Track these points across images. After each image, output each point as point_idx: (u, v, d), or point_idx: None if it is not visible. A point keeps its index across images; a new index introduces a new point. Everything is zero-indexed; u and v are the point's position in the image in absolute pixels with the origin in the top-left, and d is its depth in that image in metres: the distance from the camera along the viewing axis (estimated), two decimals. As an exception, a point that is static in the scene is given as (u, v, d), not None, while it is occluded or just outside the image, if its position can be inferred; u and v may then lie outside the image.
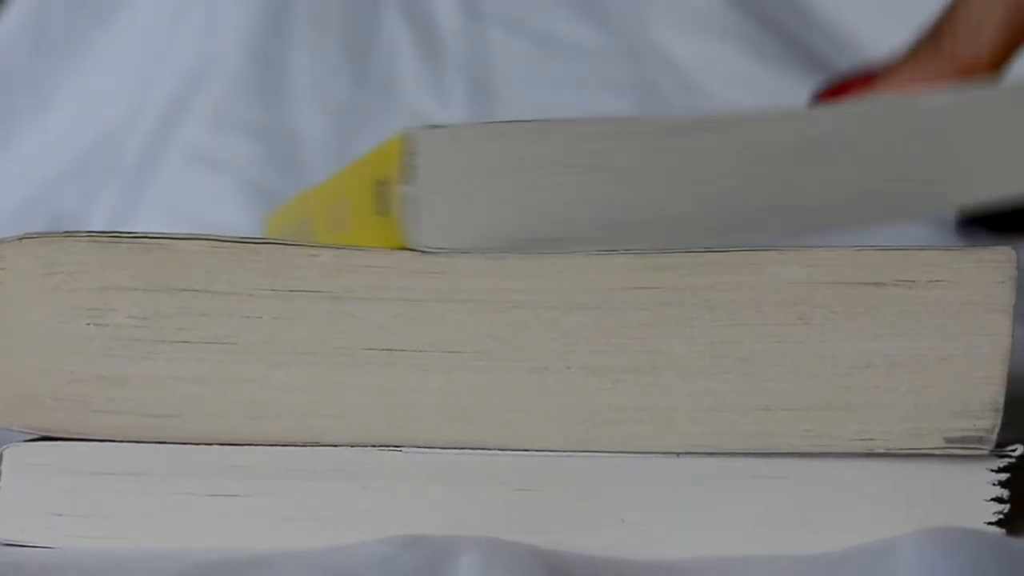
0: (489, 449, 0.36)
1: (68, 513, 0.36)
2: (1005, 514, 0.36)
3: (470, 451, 0.36)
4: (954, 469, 0.36)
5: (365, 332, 0.36)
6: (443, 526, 0.36)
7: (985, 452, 0.36)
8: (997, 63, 0.48)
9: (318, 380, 0.36)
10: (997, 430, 0.35)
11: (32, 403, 0.36)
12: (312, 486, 0.36)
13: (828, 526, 0.36)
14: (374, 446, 0.36)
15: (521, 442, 0.36)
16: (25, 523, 0.36)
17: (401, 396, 0.36)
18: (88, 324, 0.36)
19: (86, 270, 0.36)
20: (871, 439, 0.35)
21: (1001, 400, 0.35)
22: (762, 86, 0.92)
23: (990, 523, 0.36)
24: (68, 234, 0.36)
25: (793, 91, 0.92)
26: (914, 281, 0.35)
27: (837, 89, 0.52)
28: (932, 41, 0.49)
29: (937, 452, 0.36)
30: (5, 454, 0.36)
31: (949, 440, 0.35)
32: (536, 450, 0.36)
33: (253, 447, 0.36)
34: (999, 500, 0.36)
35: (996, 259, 0.35)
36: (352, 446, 0.36)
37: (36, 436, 0.36)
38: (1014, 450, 0.36)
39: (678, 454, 0.36)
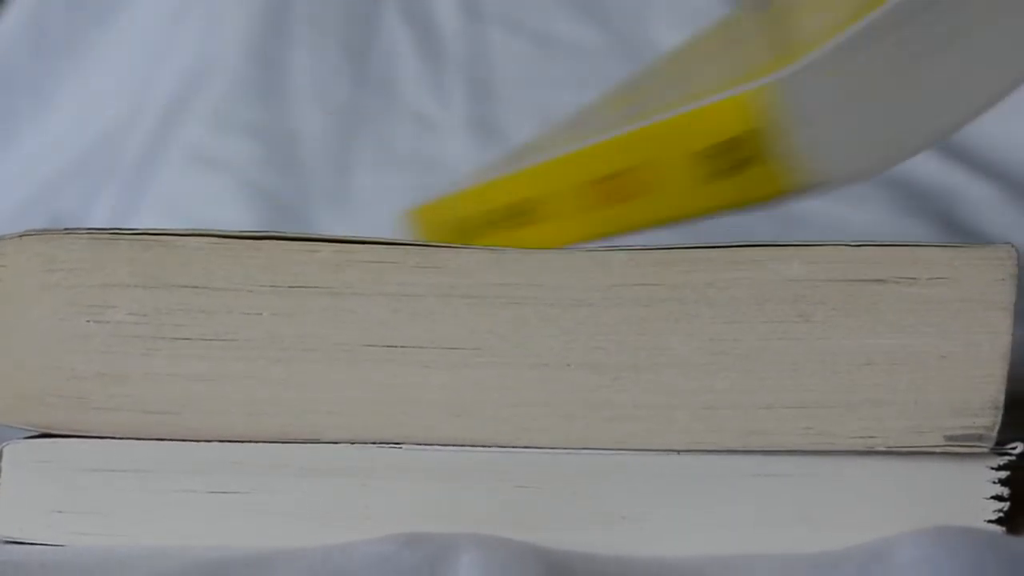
0: (489, 446, 0.36)
1: (68, 510, 0.36)
2: (1005, 512, 0.36)
3: (470, 448, 0.36)
4: (954, 467, 0.36)
5: (365, 328, 0.36)
6: (443, 523, 0.36)
7: (985, 450, 0.35)
8: None
9: (318, 376, 0.36)
10: (997, 428, 0.35)
11: (32, 400, 0.36)
12: (312, 483, 0.36)
13: (828, 524, 0.36)
14: (374, 443, 0.36)
15: (521, 439, 0.36)
16: (25, 520, 0.36)
17: (401, 393, 0.36)
18: (88, 321, 0.36)
19: (86, 267, 0.36)
20: (871, 437, 0.35)
21: (1001, 398, 0.35)
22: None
23: (990, 521, 0.36)
24: (68, 231, 0.36)
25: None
26: (915, 278, 0.35)
27: None
28: None
29: (937, 450, 0.35)
30: (5, 451, 0.36)
31: (949, 438, 0.35)
32: (536, 447, 0.36)
33: (253, 444, 0.36)
34: (999, 498, 0.36)
35: (997, 256, 0.35)
36: (352, 443, 0.36)
37: (36, 433, 0.36)
38: (1014, 448, 0.36)
39: (678, 451, 0.36)
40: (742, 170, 0.36)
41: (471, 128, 0.91)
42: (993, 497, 0.36)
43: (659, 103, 0.43)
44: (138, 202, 0.89)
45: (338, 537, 0.36)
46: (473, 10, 0.97)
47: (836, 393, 0.35)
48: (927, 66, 0.36)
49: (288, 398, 0.36)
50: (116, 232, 0.36)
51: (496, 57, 0.95)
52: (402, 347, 0.36)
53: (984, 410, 0.35)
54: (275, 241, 0.36)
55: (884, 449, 0.35)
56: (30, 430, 0.36)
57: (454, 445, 0.36)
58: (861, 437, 0.35)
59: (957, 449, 0.35)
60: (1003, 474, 0.36)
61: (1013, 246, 0.35)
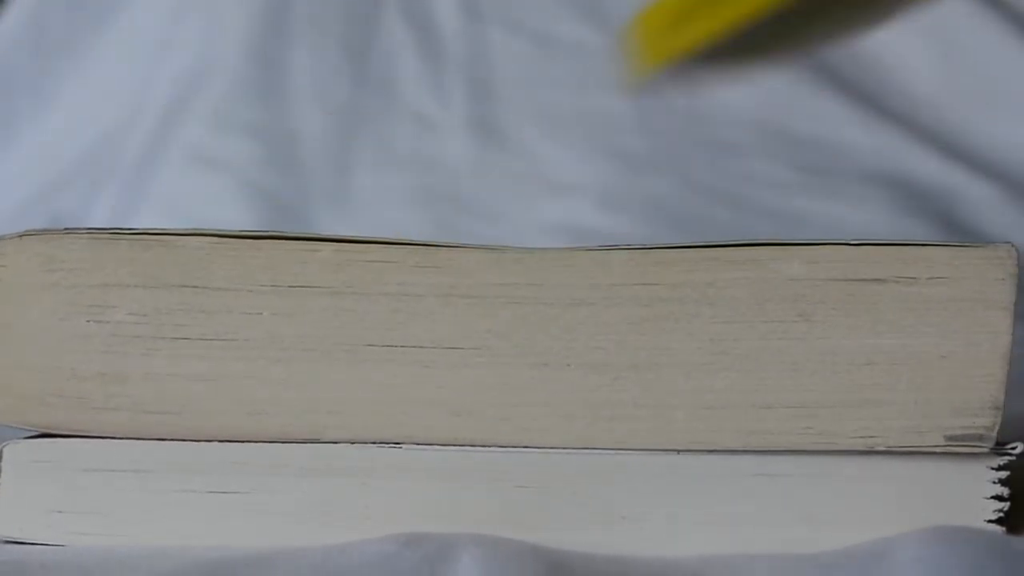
0: (489, 446, 0.36)
1: (68, 510, 0.36)
2: (1005, 512, 0.36)
3: (470, 448, 0.36)
4: (954, 467, 0.36)
5: (365, 328, 0.36)
6: (443, 523, 0.36)
7: (985, 450, 0.35)
8: None
9: (318, 376, 0.36)
10: (997, 428, 0.35)
11: (32, 400, 0.36)
12: (312, 483, 0.36)
13: (829, 524, 0.36)
14: (374, 443, 0.36)
15: (521, 439, 0.36)
16: (25, 520, 0.36)
17: (401, 392, 0.36)
18: (88, 321, 0.36)
19: (86, 267, 0.36)
20: (871, 437, 0.35)
21: (1001, 398, 0.35)
22: (762, 86, 0.92)
23: (990, 521, 0.36)
24: (68, 231, 0.36)
25: (793, 91, 0.92)
26: (915, 278, 0.35)
27: None
28: None
29: (937, 450, 0.35)
30: (5, 451, 0.36)
31: (949, 438, 0.35)
32: (536, 447, 0.36)
33: (253, 444, 0.36)
34: (999, 498, 0.36)
35: (997, 256, 0.35)
36: (352, 443, 0.36)
37: (36, 433, 0.36)
38: (1014, 448, 0.36)
39: (678, 451, 0.36)
40: None
41: (471, 128, 0.91)
42: (993, 497, 0.36)
43: None
44: (138, 202, 0.89)
45: (338, 537, 0.36)
46: (473, 10, 0.97)
47: (836, 393, 0.35)
48: None
49: (288, 398, 0.36)
50: (116, 232, 0.36)
51: (496, 57, 0.95)
52: (402, 347, 0.36)
53: (984, 410, 0.35)
54: (275, 241, 0.36)
55: (884, 449, 0.35)
56: (30, 430, 0.36)
57: (454, 445, 0.36)
58: (861, 437, 0.35)
59: (957, 449, 0.35)
60: (1003, 474, 0.36)
61: (1013, 246, 0.35)
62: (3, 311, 0.36)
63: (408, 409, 0.36)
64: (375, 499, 0.36)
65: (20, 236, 0.36)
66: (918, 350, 0.35)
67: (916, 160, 0.89)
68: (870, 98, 0.93)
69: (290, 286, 0.36)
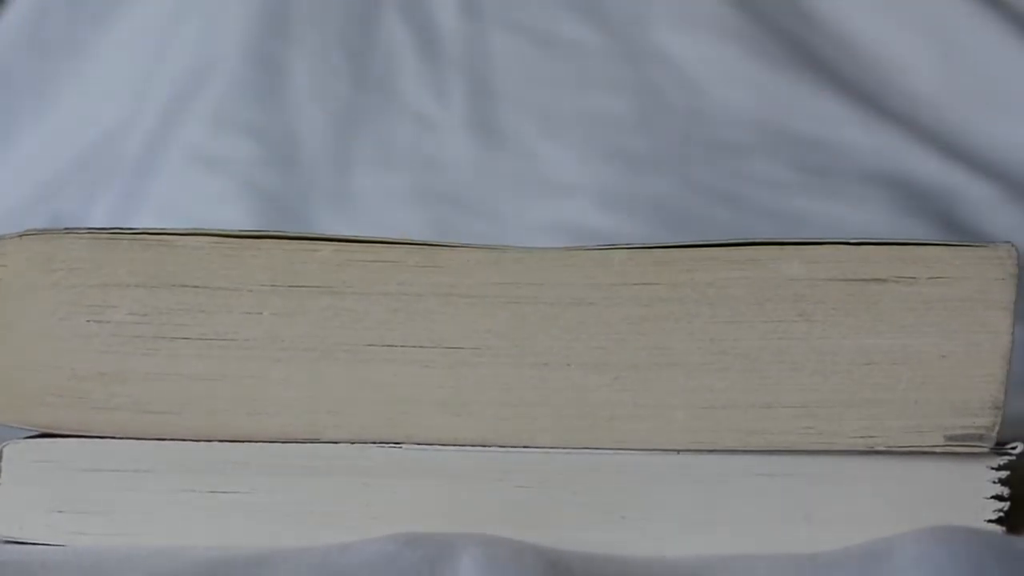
0: (489, 446, 0.36)
1: (68, 510, 0.36)
2: (1005, 512, 0.36)
3: (470, 448, 0.36)
4: (954, 467, 0.36)
5: (365, 328, 0.36)
6: (443, 523, 0.36)
7: (985, 450, 0.35)
8: None
9: (318, 376, 0.36)
10: (997, 428, 0.35)
11: (32, 400, 0.36)
12: (312, 483, 0.36)
13: (829, 523, 0.36)
14: (374, 443, 0.36)
15: (521, 439, 0.36)
16: (25, 520, 0.36)
17: (401, 392, 0.36)
18: (88, 321, 0.36)
19: (86, 267, 0.36)
20: (872, 436, 0.35)
21: (1001, 398, 0.35)
22: (762, 86, 0.92)
23: (990, 521, 0.36)
24: (68, 231, 0.36)
25: (793, 91, 0.92)
26: (915, 278, 0.35)
27: None
28: None
29: (937, 450, 0.35)
30: (5, 451, 0.36)
31: (949, 438, 0.35)
32: (536, 447, 0.36)
33: (253, 444, 0.36)
34: (999, 498, 0.36)
35: (997, 256, 0.35)
36: (352, 443, 0.36)
37: (36, 433, 0.36)
38: (1014, 448, 0.36)
39: (678, 451, 0.36)
40: None
41: (471, 128, 0.91)
42: (993, 497, 0.36)
43: None
44: (138, 202, 0.89)
45: (338, 537, 0.36)
46: (473, 10, 0.97)
47: (837, 393, 0.35)
48: None
49: (288, 398, 0.36)
50: (116, 232, 0.36)
51: (496, 57, 0.95)
52: (402, 347, 0.36)
53: (984, 410, 0.35)
54: (275, 241, 0.36)
55: (884, 449, 0.35)
56: (30, 429, 0.36)
57: (454, 445, 0.36)
58: (861, 437, 0.35)
59: (957, 449, 0.35)
60: (1003, 474, 0.36)
61: (1013, 245, 0.35)
62: (3, 311, 0.36)
63: (408, 409, 0.36)
64: (375, 499, 0.36)
65: (20, 236, 0.36)
66: (918, 350, 0.35)
67: (916, 160, 0.89)
68: (870, 98, 0.93)
69: (290, 286, 0.36)
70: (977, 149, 0.91)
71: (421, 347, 0.36)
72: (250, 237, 0.36)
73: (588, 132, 0.91)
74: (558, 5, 0.96)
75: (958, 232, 0.85)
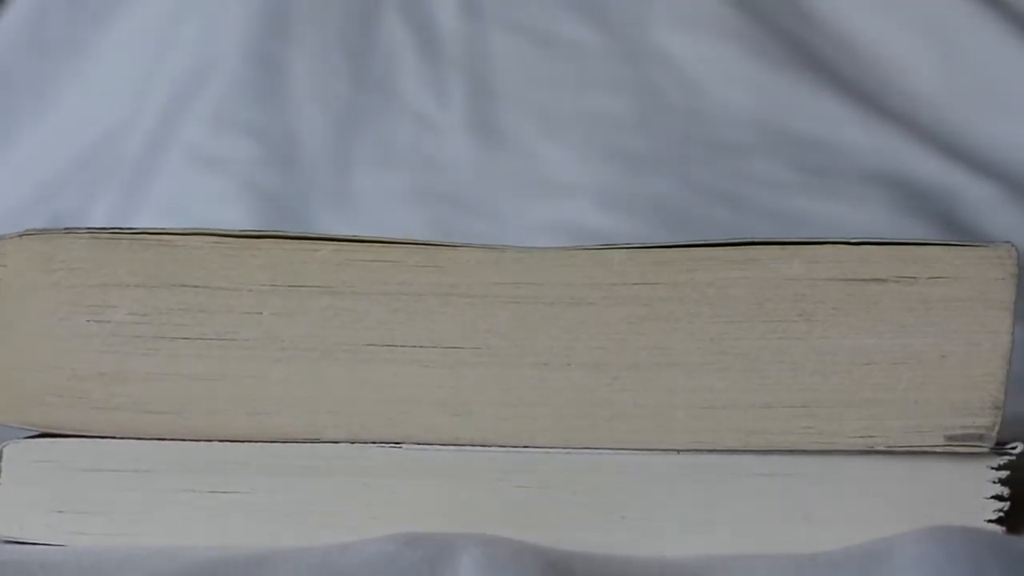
0: (489, 446, 0.36)
1: (68, 510, 0.36)
2: (1005, 512, 0.36)
3: (470, 448, 0.36)
4: (954, 467, 0.36)
5: (365, 328, 0.36)
6: (443, 523, 0.36)
7: (985, 450, 0.35)
8: None
9: (317, 376, 0.36)
10: (997, 428, 0.35)
11: (32, 400, 0.36)
12: (312, 483, 0.36)
13: (828, 523, 0.36)
14: (374, 443, 0.36)
15: (521, 439, 0.36)
16: (25, 520, 0.36)
17: (401, 392, 0.36)
18: (88, 321, 0.36)
19: (86, 267, 0.36)
20: (871, 436, 0.35)
21: (1001, 398, 0.35)
22: (762, 86, 0.92)
23: (990, 521, 0.36)
24: (68, 231, 0.36)
25: (793, 91, 0.92)
26: (915, 277, 0.35)
27: None
28: None
29: (937, 450, 0.35)
30: (5, 451, 0.36)
31: (949, 438, 0.35)
32: (536, 447, 0.36)
33: (253, 444, 0.36)
34: (999, 498, 0.36)
35: (997, 256, 0.35)
36: (352, 443, 0.36)
37: (36, 433, 0.36)
38: (1014, 448, 0.36)
39: (678, 451, 0.36)
40: None
41: (471, 128, 0.91)
42: (993, 497, 0.36)
43: None
44: (138, 202, 0.89)
45: (338, 537, 0.36)
46: (473, 10, 0.97)
47: (836, 393, 0.35)
48: None
49: (288, 398, 0.36)
50: (116, 232, 0.36)
51: (496, 57, 0.95)
52: (402, 347, 0.36)
53: (984, 410, 0.35)
54: (275, 240, 0.36)
55: (884, 449, 0.35)
56: (30, 429, 0.36)
57: (454, 445, 0.36)
58: (861, 437, 0.35)
59: (957, 449, 0.35)
60: (1003, 474, 0.36)
61: (1013, 245, 0.35)
62: (3, 311, 0.36)
63: (408, 409, 0.36)
64: (375, 499, 0.36)
65: (20, 236, 0.36)
66: (918, 350, 0.35)
67: (916, 160, 0.89)
68: (870, 98, 0.93)
69: (290, 286, 0.36)
70: (977, 149, 0.91)
71: (421, 347, 0.36)
72: (250, 237, 0.36)
73: (588, 132, 0.91)
74: (558, 5, 0.96)
75: (958, 232, 0.85)
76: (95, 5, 1.00)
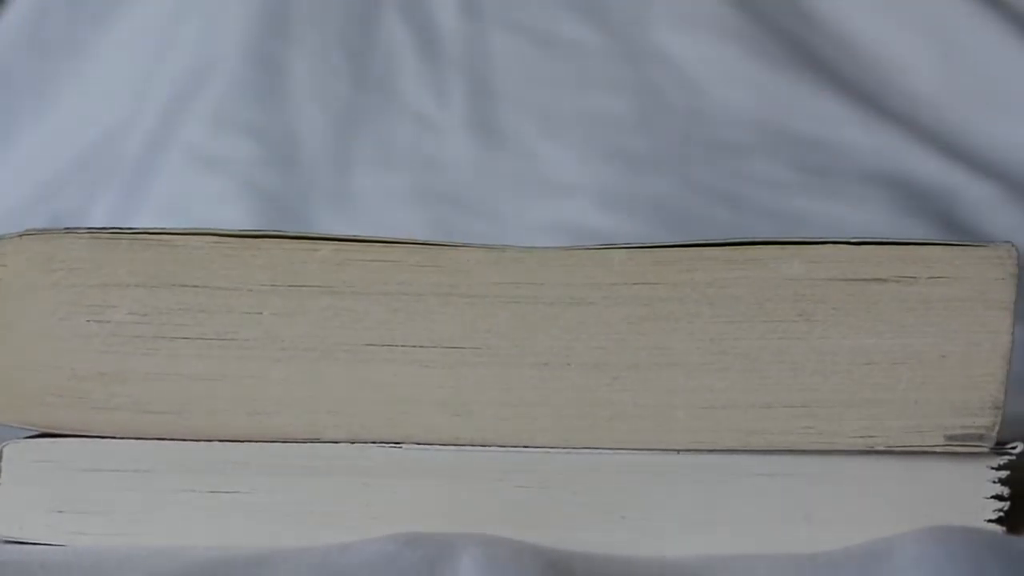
0: (489, 446, 0.36)
1: (68, 510, 0.36)
2: (1005, 512, 0.36)
3: (470, 448, 0.36)
4: (954, 467, 0.36)
5: (365, 328, 0.36)
6: (443, 523, 0.36)
7: (985, 450, 0.35)
8: None
9: (318, 376, 0.36)
10: (997, 428, 0.35)
11: (32, 400, 0.36)
12: (312, 483, 0.36)
13: (829, 523, 0.36)
14: (374, 443, 0.36)
15: (521, 439, 0.36)
16: (25, 520, 0.36)
17: (401, 392, 0.36)
18: (88, 321, 0.36)
19: (86, 267, 0.36)
20: (871, 436, 0.35)
21: (1001, 397, 0.35)
22: (762, 86, 0.92)
23: (990, 521, 0.36)
24: (68, 231, 0.36)
25: (793, 91, 0.92)
26: (915, 277, 0.35)
27: None
28: None
29: (937, 450, 0.35)
30: (5, 451, 0.36)
31: (949, 437, 0.35)
32: (536, 447, 0.36)
33: (253, 444, 0.36)
34: (999, 498, 0.36)
35: (997, 256, 0.35)
36: (352, 443, 0.36)
37: (36, 433, 0.36)
38: (1014, 448, 0.36)
39: (678, 451, 0.36)
40: None
41: (471, 128, 0.91)
42: (993, 497, 0.36)
43: None
44: (138, 202, 0.89)
45: (338, 537, 0.36)
46: (473, 10, 0.97)
47: (836, 393, 0.35)
48: None
49: (288, 398, 0.36)
50: (116, 232, 0.36)
51: (496, 57, 0.95)
52: (402, 347, 0.36)
53: (984, 410, 0.35)
54: (275, 240, 0.36)
55: (884, 449, 0.35)
56: (30, 429, 0.36)
57: (454, 445, 0.36)
58: (861, 437, 0.35)
59: (957, 449, 0.35)
60: (1003, 474, 0.36)
61: (1013, 246, 0.35)
62: (3, 311, 0.36)
63: (408, 409, 0.36)
64: (375, 499, 0.36)
65: (20, 236, 0.36)
66: (918, 350, 0.35)
67: (916, 160, 0.89)
68: (870, 98, 0.93)
69: (290, 286, 0.36)
70: (977, 149, 0.91)
71: (421, 347, 0.36)
72: (250, 237, 0.36)
73: (588, 132, 0.91)
74: (558, 5, 0.96)
75: (958, 232, 0.85)
76: (95, 5, 1.00)
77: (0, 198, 0.94)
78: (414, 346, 0.36)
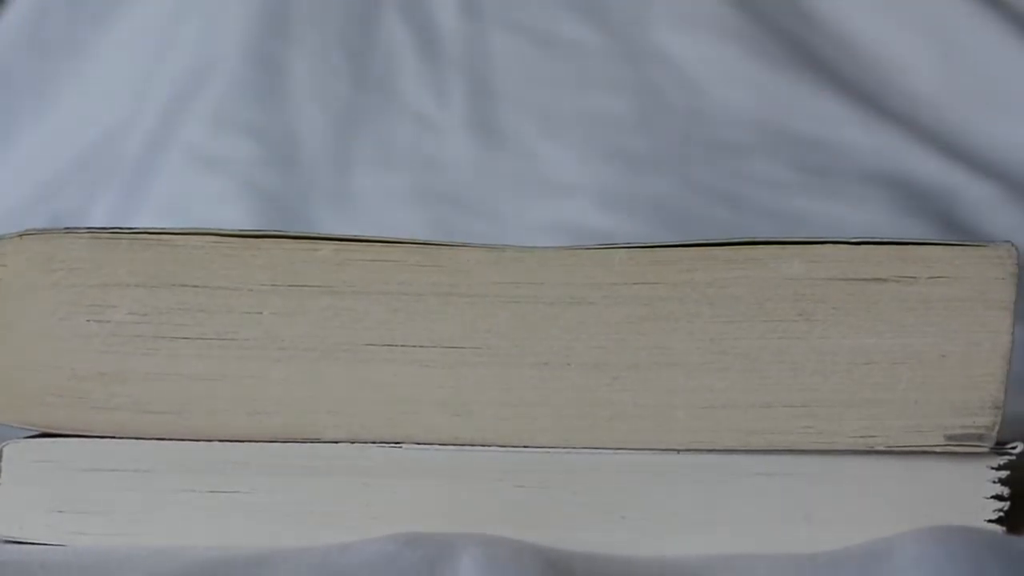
0: (489, 446, 0.36)
1: (68, 510, 0.36)
2: (1005, 512, 0.36)
3: (470, 447, 0.36)
4: (954, 466, 0.36)
5: (365, 328, 0.36)
6: (443, 523, 0.36)
7: (985, 450, 0.35)
8: None
9: (318, 376, 0.36)
10: (997, 428, 0.35)
11: (32, 400, 0.36)
12: (312, 483, 0.36)
13: (829, 523, 0.36)
14: (374, 443, 0.36)
15: (521, 438, 0.36)
16: (25, 520, 0.36)
17: (401, 392, 0.36)
18: (88, 321, 0.36)
19: (86, 267, 0.36)
20: (871, 436, 0.35)
21: (1001, 397, 0.35)
22: (762, 86, 0.92)
23: (990, 521, 0.36)
24: (68, 231, 0.36)
25: (793, 91, 0.92)
26: (915, 277, 0.35)
27: None
28: None
29: (937, 450, 0.35)
30: (5, 451, 0.36)
31: (949, 437, 0.35)
32: (536, 447, 0.36)
33: (253, 444, 0.36)
34: (999, 498, 0.36)
35: (997, 255, 0.35)
36: (352, 442, 0.36)
37: (36, 433, 0.36)
38: (1014, 448, 0.36)
39: (678, 451, 0.36)
40: None
41: (471, 128, 0.91)
42: (993, 497, 0.36)
43: None
44: (138, 202, 0.89)
45: (338, 537, 0.36)
46: (473, 10, 0.97)
47: (836, 393, 0.35)
48: None
49: (288, 398, 0.36)
50: (116, 232, 0.36)
51: (496, 57, 0.95)
52: (402, 347, 0.36)
53: (984, 409, 0.35)
54: (275, 240, 0.36)
55: (884, 448, 0.35)
56: (30, 429, 0.36)
57: (454, 445, 0.36)
58: (861, 436, 0.35)
59: (957, 449, 0.35)
60: (1003, 474, 0.36)
61: (1013, 245, 0.35)
62: (3, 311, 0.36)
63: (408, 409, 0.36)
64: (375, 499, 0.36)
65: (20, 236, 0.36)
66: (918, 350, 0.35)
67: (916, 160, 0.89)
68: (870, 98, 0.93)
69: (290, 285, 0.36)
70: (977, 149, 0.91)
71: (421, 347, 0.36)
72: (250, 237, 0.36)
73: (588, 132, 0.91)
74: (558, 5, 0.96)
75: (958, 232, 0.85)
76: (95, 5, 1.00)
77: (0, 198, 0.94)
78: (414, 346, 0.36)
